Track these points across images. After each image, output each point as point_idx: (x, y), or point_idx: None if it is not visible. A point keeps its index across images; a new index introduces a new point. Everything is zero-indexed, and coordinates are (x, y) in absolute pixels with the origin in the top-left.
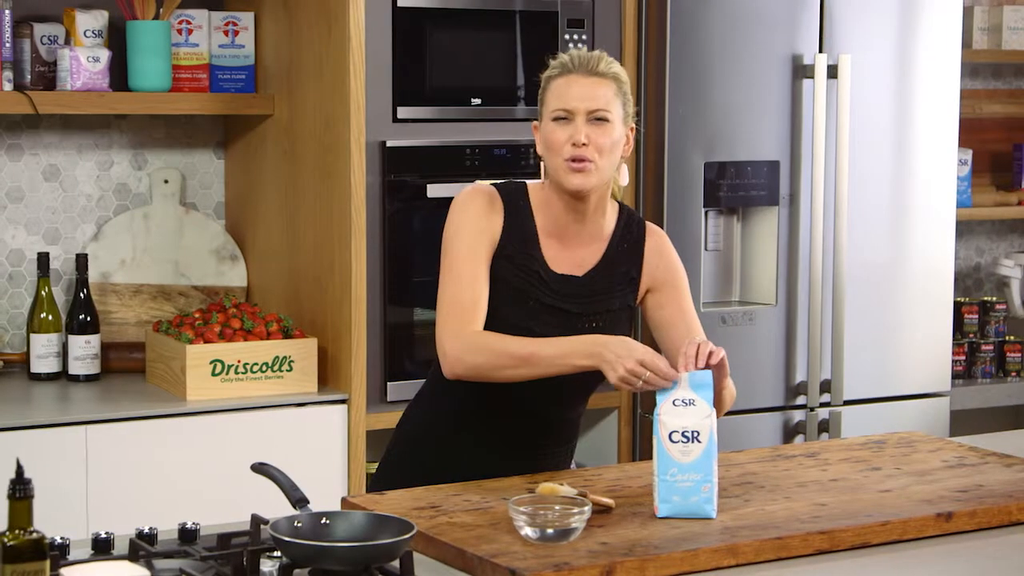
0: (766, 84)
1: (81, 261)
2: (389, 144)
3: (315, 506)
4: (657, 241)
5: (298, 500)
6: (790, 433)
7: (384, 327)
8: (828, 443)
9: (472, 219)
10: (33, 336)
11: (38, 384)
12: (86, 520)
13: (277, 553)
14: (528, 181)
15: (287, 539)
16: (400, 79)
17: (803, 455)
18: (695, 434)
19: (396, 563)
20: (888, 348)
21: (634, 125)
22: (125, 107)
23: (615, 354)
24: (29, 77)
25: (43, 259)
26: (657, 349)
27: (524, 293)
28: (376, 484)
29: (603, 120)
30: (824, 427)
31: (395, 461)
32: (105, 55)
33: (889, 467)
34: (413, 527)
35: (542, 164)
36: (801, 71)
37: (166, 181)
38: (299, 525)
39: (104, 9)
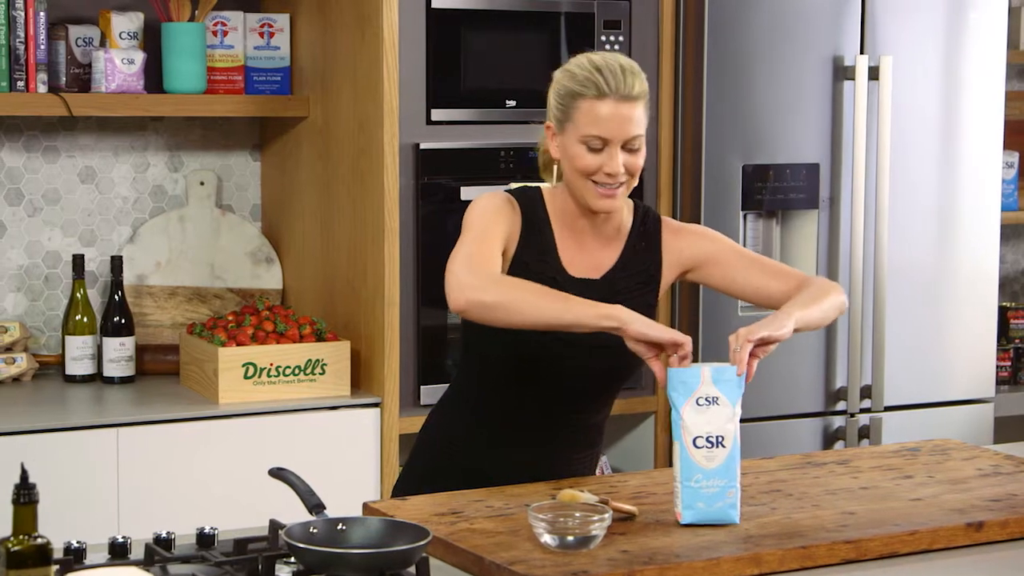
0: (806, 86)
1: (116, 263)
2: (423, 146)
3: (347, 511)
4: (672, 232)
5: (314, 506)
6: (830, 439)
7: (417, 330)
8: (860, 450)
9: (493, 209)
10: (68, 338)
11: (73, 386)
12: (117, 522)
13: (293, 559)
14: (542, 185)
15: (300, 545)
16: (434, 81)
17: (834, 462)
18: (719, 439)
19: (412, 570)
20: (931, 353)
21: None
22: (159, 109)
23: (632, 318)
24: (64, 79)
25: (78, 261)
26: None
27: None
28: (399, 489)
29: (636, 142)
30: (865, 433)
31: (417, 466)
32: (140, 57)
33: (921, 475)
34: (428, 534)
35: (555, 168)
36: (842, 72)
37: (202, 183)
38: (315, 531)
39: (139, 11)
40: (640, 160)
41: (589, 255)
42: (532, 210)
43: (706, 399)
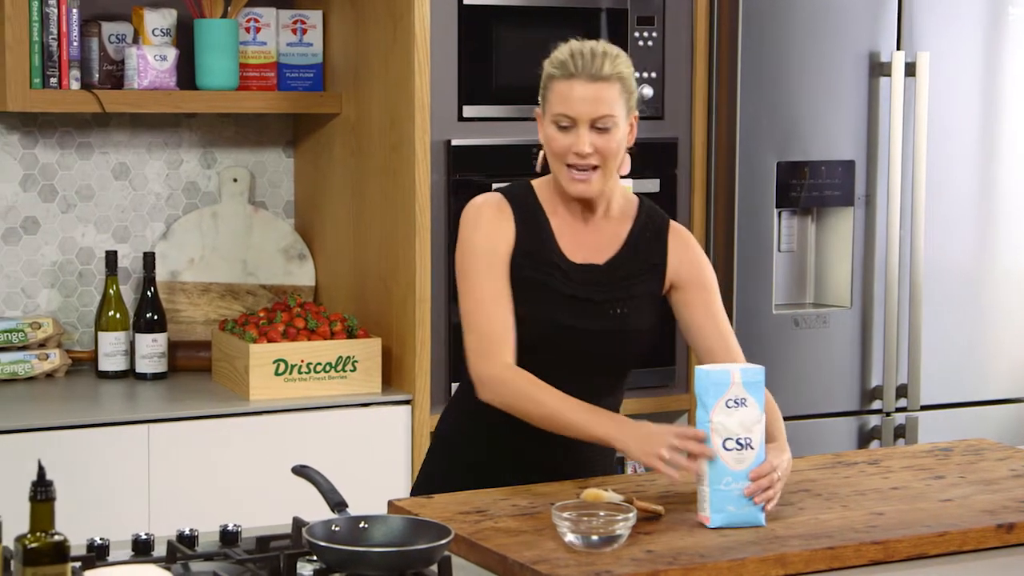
0: (841, 82)
1: (149, 260)
2: (454, 143)
3: (378, 509)
4: (682, 236)
5: (337, 504)
6: (865, 438)
7: (448, 327)
8: (892, 450)
9: (484, 235)
10: (101, 334)
11: (105, 382)
12: (147, 518)
13: (315, 557)
14: (533, 180)
15: (322, 543)
16: (465, 77)
17: (865, 462)
18: (748, 440)
19: (435, 568)
20: (968, 352)
21: (637, 113)
22: (191, 106)
23: (640, 448)
24: (97, 76)
25: (111, 257)
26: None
27: (545, 285)
28: (418, 487)
29: (607, 124)
30: (900, 433)
31: (433, 466)
32: (172, 54)
33: (953, 476)
34: (450, 532)
35: (542, 153)
36: (878, 69)
37: (235, 180)
38: (336, 529)
39: (172, 7)
40: (612, 142)
41: (590, 241)
42: (524, 203)
43: (735, 401)
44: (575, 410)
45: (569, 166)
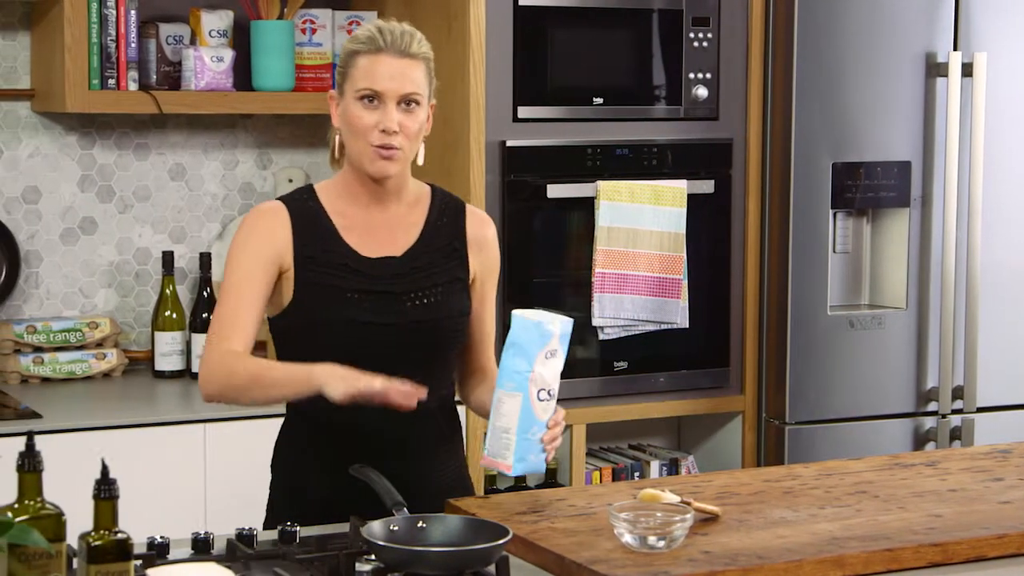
0: (897, 83)
1: (205, 260)
2: (509, 144)
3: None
4: (478, 216)
5: (395, 504)
6: (920, 440)
7: (500, 326)
8: (950, 452)
9: (248, 242)
10: (157, 334)
11: (161, 382)
12: (204, 517)
13: (374, 556)
14: (316, 184)
15: (380, 543)
16: (521, 78)
17: (923, 464)
18: (553, 392)
19: (492, 568)
20: None
21: (435, 101)
22: (248, 107)
23: (342, 382)
24: (155, 77)
25: (167, 258)
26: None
27: (338, 288)
28: (267, 517)
29: (413, 103)
30: (956, 435)
31: (271, 495)
32: (229, 55)
33: (1012, 478)
34: (508, 532)
35: (336, 138)
36: (934, 69)
37: (291, 180)
38: (395, 529)
39: (229, 9)
40: (416, 123)
41: (384, 234)
42: (303, 208)
43: (551, 352)
44: (274, 367)
45: (375, 147)
